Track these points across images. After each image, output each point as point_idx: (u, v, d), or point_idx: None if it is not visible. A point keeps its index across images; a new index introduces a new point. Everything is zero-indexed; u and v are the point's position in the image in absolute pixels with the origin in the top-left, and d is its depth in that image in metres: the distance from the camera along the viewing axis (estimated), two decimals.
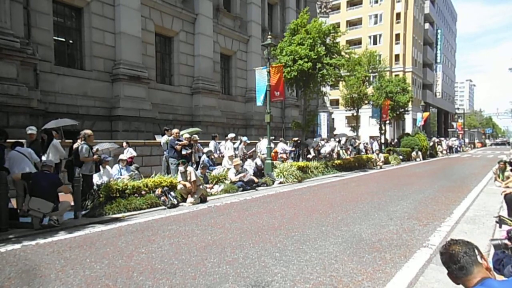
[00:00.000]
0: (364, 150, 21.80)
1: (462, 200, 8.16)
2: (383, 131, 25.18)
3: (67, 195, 6.45)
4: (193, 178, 7.79)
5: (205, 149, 11.61)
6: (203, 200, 8.00)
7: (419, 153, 23.79)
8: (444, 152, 31.54)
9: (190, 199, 7.74)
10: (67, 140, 8.70)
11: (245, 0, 21.09)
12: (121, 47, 13.86)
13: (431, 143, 28.51)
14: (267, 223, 5.87)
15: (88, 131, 7.29)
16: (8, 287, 3.35)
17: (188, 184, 7.80)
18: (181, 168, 7.94)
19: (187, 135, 10.38)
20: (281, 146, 15.94)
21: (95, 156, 7.31)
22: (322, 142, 17.93)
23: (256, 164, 11.75)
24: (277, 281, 3.41)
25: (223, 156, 12.33)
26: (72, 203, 6.31)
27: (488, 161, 22.41)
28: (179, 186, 7.85)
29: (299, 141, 16.27)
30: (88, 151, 7.02)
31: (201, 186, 8.12)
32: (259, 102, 13.15)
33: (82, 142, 7.18)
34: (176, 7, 16.60)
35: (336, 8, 50.51)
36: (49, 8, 12.05)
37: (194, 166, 10.20)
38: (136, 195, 7.30)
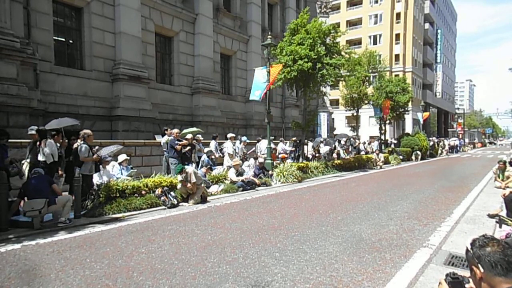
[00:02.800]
0: (364, 150, 21.79)
1: (462, 200, 8.16)
2: (383, 131, 25.17)
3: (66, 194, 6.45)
4: (193, 179, 7.77)
5: (206, 149, 11.61)
6: (203, 200, 8.00)
7: (419, 153, 23.79)
8: (445, 152, 31.54)
9: (190, 199, 7.75)
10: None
11: (245, 0, 21.09)
12: (121, 47, 13.85)
13: (431, 143, 28.53)
14: (267, 223, 5.87)
15: (88, 131, 7.28)
16: (8, 287, 3.35)
17: (188, 184, 7.80)
18: (179, 177, 7.88)
19: (190, 136, 10.38)
20: (281, 146, 15.94)
21: (95, 156, 7.31)
22: (322, 145, 17.93)
23: (258, 163, 11.67)
24: (277, 281, 3.41)
25: (223, 156, 12.33)
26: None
27: (488, 161, 22.41)
28: (179, 186, 7.85)
29: (298, 141, 16.27)
30: (88, 151, 7.02)
31: (202, 185, 8.11)
32: (253, 97, 12.89)
33: (82, 142, 7.18)
34: (176, 7, 16.59)
35: (336, 8, 50.51)
36: (49, 8, 12.03)
37: (194, 165, 10.20)
38: (136, 195, 7.30)
